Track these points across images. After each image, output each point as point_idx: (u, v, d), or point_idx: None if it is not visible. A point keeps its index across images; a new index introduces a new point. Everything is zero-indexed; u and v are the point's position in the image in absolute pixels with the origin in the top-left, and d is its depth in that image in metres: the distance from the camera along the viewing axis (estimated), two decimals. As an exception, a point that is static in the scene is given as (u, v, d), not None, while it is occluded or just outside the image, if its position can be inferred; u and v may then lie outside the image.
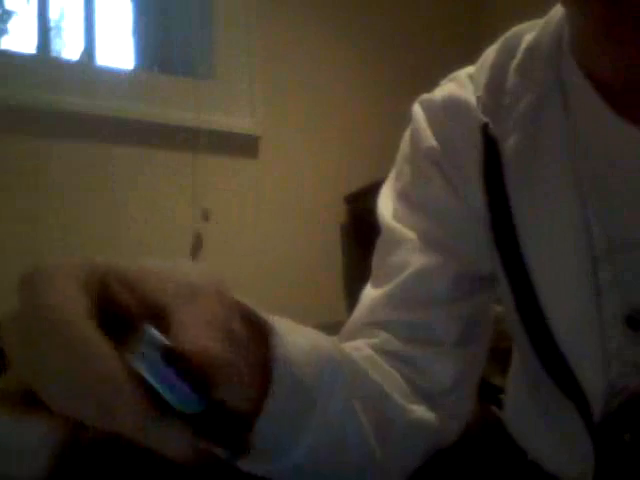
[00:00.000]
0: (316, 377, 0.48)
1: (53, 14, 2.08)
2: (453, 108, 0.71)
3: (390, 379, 0.61)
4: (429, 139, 0.71)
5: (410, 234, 0.70)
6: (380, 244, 0.73)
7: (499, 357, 0.78)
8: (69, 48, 2.22)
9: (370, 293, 0.70)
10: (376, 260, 0.73)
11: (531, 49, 0.69)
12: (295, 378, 0.46)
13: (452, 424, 0.67)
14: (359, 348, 0.63)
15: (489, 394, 1.05)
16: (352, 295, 0.74)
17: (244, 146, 2.29)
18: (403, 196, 0.72)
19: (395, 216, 0.71)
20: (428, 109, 0.73)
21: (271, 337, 0.46)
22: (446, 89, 0.73)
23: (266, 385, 0.45)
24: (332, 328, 0.77)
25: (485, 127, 0.69)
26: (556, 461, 0.75)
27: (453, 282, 0.68)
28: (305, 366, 0.47)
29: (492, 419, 1.04)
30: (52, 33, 2.11)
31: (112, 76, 2.10)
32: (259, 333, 0.45)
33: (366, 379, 0.57)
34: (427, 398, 0.64)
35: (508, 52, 0.71)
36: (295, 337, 0.47)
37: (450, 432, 0.67)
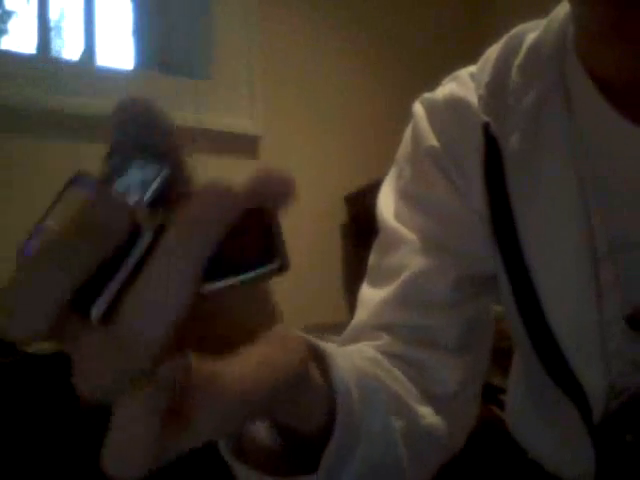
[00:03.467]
0: (361, 403, 0.48)
1: (53, 14, 2.08)
2: (454, 107, 0.71)
3: (398, 381, 0.61)
4: (430, 138, 0.71)
5: (410, 235, 0.69)
6: (378, 243, 0.72)
7: (499, 357, 0.78)
8: (69, 48, 2.22)
9: (370, 294, 0.70)
10: (374, 259, 0.72)
11: (534, 48, 0.69)
12: (350, 411, 0.45)
13: (458, 429, 0.66)
14: (362, 350, 0.63)
15: (489, 394, 1.05)
16: (352, 295, 0.73)
17: (244, 146, 2.29)
18: (404, 195, 0.72)
19: (396, 216, 0.71)
20: (429, 108, 0.73)
21: (328, 362, 0.45)
22: (448, 88, 0.73)
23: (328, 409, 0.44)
24: (332, 328, 0.77)
25: (486, 126, 0.68)
26: (557, 461, 0.75)
27: (454, 284, 0.68)
28: (352, 388, 0.46)
29: (493, 419, 1.04)
30: (52, 33, 2.11)
31: (112, 76, 2.10)
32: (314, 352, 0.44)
33: (384, 385, 0.57)
34: (433, 400, 0.63)
35: (511, 51, 0.71)
36: (336, 357, 0.46)
37: (457, 437, 0.66)
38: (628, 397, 0.65)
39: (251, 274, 0.32)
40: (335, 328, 0.74)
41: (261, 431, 0.45)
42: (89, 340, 0.28)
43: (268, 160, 2.33)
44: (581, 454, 0.69)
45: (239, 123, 2.24)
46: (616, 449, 0.66)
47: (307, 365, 0.39)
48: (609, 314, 0.64)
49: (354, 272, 0.78)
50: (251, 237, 0.32)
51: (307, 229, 2.35)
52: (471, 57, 0.75)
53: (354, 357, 0.55)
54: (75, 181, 0.31)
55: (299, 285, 2.45)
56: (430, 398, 0.63)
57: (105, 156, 0.32)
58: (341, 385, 0.44)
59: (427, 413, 0.61)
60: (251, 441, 0.44)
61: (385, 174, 0.76)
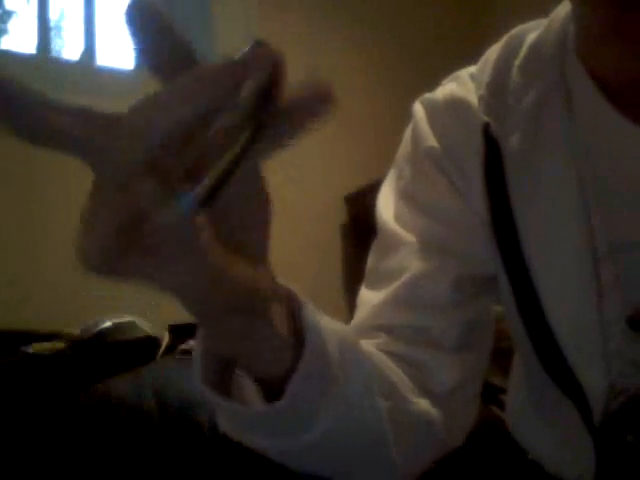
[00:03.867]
0: (339, 355, 0.50)
1: (53, 14, 2.08)
2: (454, 108, 0.71)
3: (396, 374, 0.61)
4: (430, 139, 0.71)
5: (410, 237, 0.69)
6: (377, 245, 0.72)
7: (499, 357, 0.78)
8: (69, 48, 2.22)
9: (369, 296, 0.69)
10: (373, 261, 0.72)
11: (534, 48, 0.69)
12: (323, 349, 0.48)
13: (457, 427, 0.66)
14: (364, 344, 0.63)
15: (489, 394, 1.05)
16: (352, 295, 0.73)
17: (244, 146, 2.29)
18: (404, 196, 0.72)
19: (396, 217, 0.71)
20: (429, 108, 0.73)
21: (302, 309, 0.48)
22: (448, 89, 0.72)
23: (295, 351, 0.47)
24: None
25: (486, 127, 0.68)
26: (557, 462, 0.75)
27: (454, 285, 0.67)
28: (330, 342, 0.49)
29: (493, 419, 1.04)
30: (52, 33, 2.11)
31: (112, 76, 2.10)
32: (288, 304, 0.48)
33: (377, 369, 0.58)
34: (430, 397, 0.63)
35: (511, 51, 0.70)
36: (320, 316, 0.49)
37: (455, 434, 0.66)
38: (628, 397, 0.65)
39: None
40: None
41: (255, 399, 0.48)
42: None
43: (268, 160, 2.33)
44: (581, 454, 0.69)
45: (239, 123, 2.24)
46: (617, 450, 0.67)
47: (265, 289, 0.44)
48: (609, 314, 0.64)
49: (354, 272, 0.78)
50: None
51: (307, 229, 2.35)
52: (471, 57, 0.75)
53: (357, 342, 0.57)
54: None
55: (299, 285, 2.45)
56: (428, 394, 0.63)
57: None
58: (313, 335, 0.47)
59: (422, 403, 0.61)
60: (241, 397, 0.48)
61: (385, 174, 0.76)
